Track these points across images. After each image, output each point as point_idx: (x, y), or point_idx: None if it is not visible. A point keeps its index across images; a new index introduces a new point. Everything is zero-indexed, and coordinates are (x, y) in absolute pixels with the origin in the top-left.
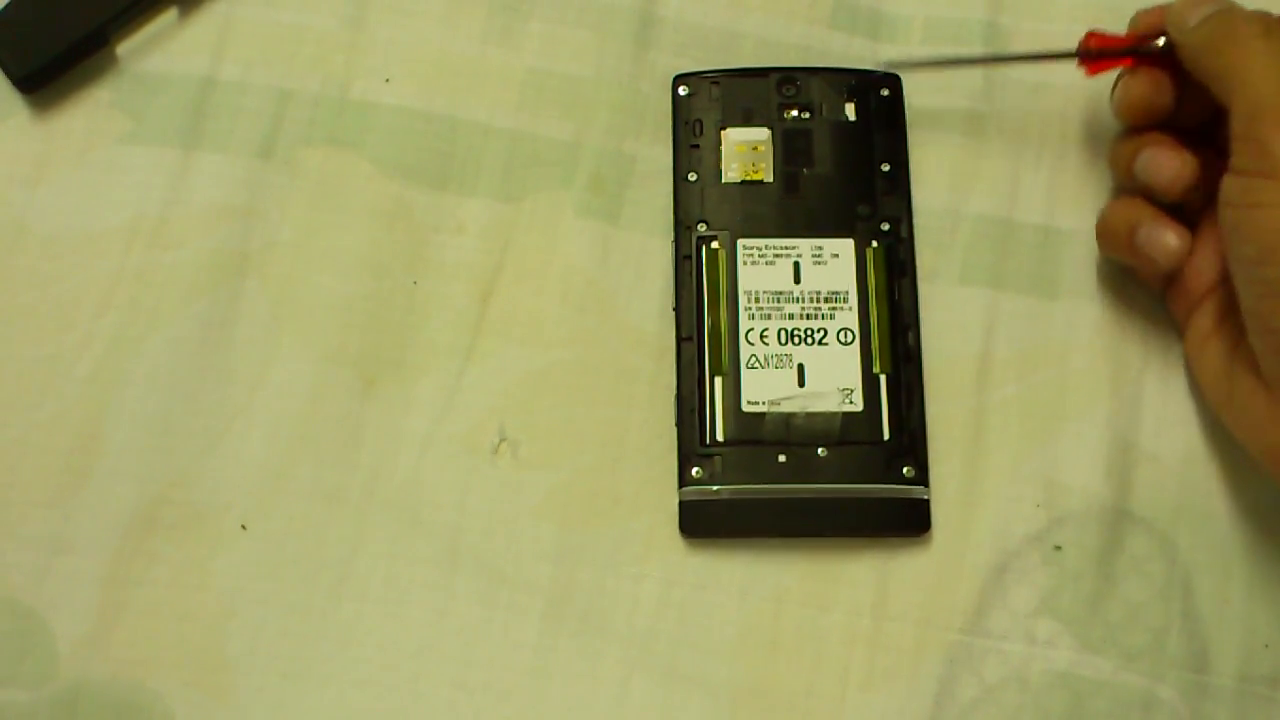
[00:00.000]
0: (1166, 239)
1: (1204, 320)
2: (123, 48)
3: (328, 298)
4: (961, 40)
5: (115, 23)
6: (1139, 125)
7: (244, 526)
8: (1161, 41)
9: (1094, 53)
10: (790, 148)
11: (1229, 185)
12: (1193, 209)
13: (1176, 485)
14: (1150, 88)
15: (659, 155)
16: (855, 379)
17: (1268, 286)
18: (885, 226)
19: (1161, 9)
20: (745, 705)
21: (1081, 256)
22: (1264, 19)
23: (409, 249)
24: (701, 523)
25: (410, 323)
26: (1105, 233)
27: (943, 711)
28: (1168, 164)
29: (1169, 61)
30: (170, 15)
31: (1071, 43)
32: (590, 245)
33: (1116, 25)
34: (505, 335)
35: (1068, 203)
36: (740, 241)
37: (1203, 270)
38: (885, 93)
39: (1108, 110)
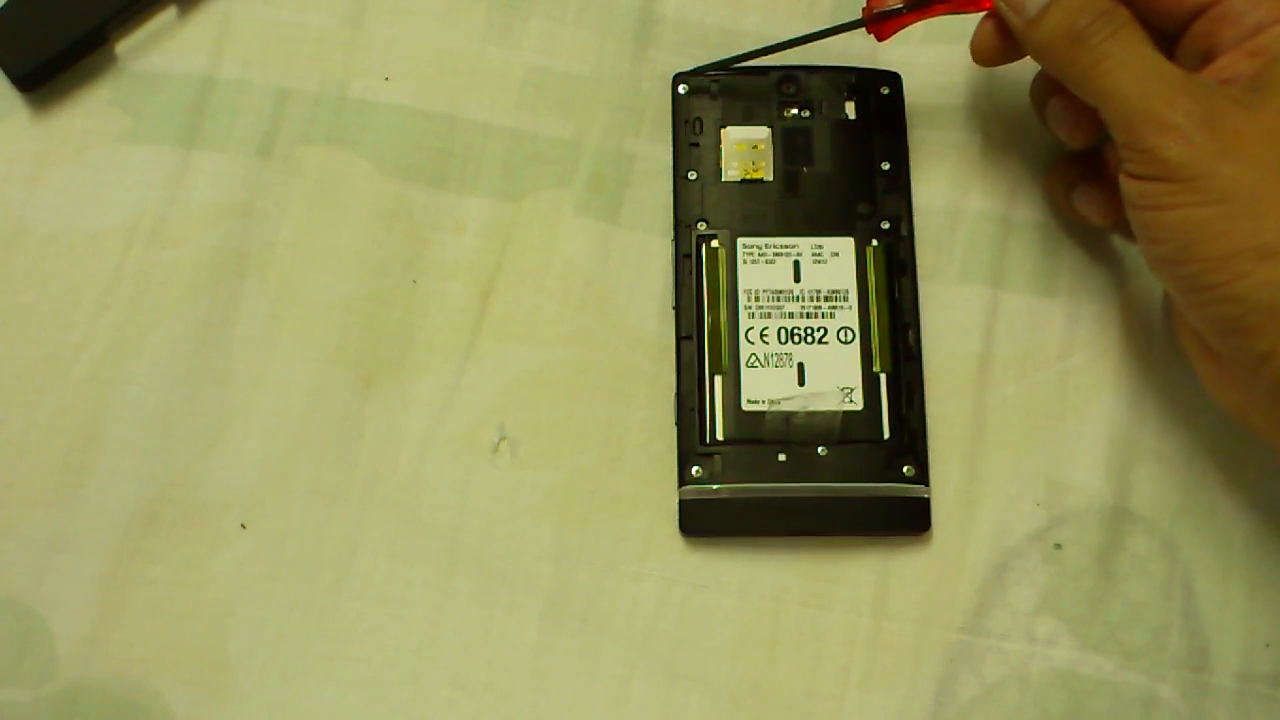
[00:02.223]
0: (1097, 196)
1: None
2: (122, 46)
3: (327, 297)
4: (961, 38)
5: (114, 21)
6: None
7: (243, 526)
8: None
9: (876, 15)
10: (790, 146)
11: (1128, 188)
12: None
13: (1177, 484)
14: (995, 34)
15: (659, 154)
16: (855, 378)
17: (1188, 282)
18: (885, 225)
19: None
20: (745, 705)
21: (1081, 255)
22: (1104, 8)
23: (408, 248)
24: (701, 522)
25: (410, 322)
26: (1048, 195)
27: (943, 711)
28: (1067, 115)
29: None
30: (169, 14)
31: None
32: (590, 244)
33: None
34: (505, 334)
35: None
36: (740, 240)
37: None
38: (885, 91)
39: None
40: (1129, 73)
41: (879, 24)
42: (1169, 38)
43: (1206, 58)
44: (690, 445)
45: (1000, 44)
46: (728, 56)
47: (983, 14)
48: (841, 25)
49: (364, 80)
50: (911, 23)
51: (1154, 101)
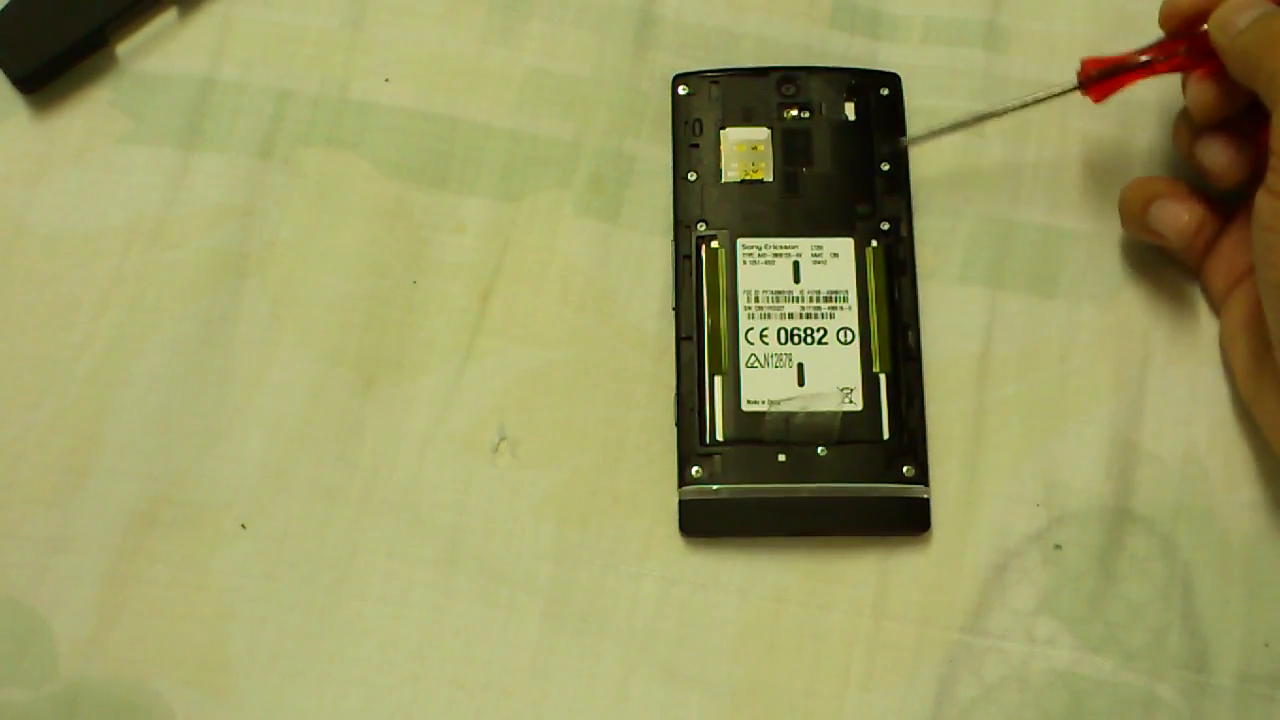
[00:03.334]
0: (1178, 214)
1: (1237, 310)
2: (122, 48)
3: (327, 297)
4: (961, 39)
5: (115, 23)
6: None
7: (243, 526)
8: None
9: (1094, 77)
10: (790, 147)
11: (1263, 206)
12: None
13: (1177, 485)
14: (1216, 89)
15: (659, 155)
16: (855, 378)
17: None
18: (885, 226)
19: (1190, 4)
20: (745, 705)
21: (1081, 256)
22: None
23: (409, 248)
24: (701, 522)
25: (410, 322)
26: (1122, 207)
27: (943, 711)
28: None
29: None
30: (170, 15)
31: (1074, 46)
32: (590, 244)
33: (1118, 23)
34: (505, 334)
35: (1068, 203)
36: (740, 241)
37: (1236, 254)
38: (885, 92)
39: (1108, 109)
40: None
41: (1096, 86)
42: None
43: None
44: (690, 445)
45: (1219, 93)
46: (957, 120)
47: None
48: (1054, 92)
49: (364, 81)
50: (1129, 84)
51: None
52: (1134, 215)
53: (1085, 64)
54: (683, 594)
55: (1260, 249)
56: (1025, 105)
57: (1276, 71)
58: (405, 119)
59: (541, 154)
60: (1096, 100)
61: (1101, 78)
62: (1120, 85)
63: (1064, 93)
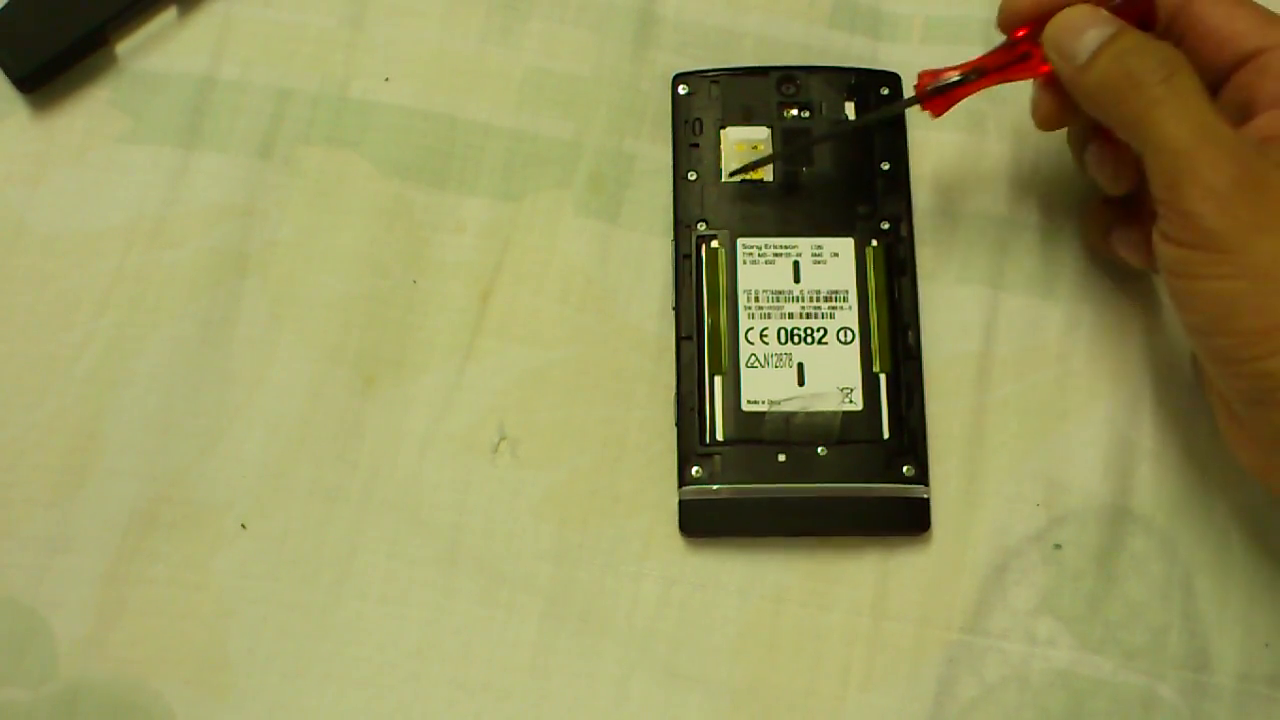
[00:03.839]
0: (1137, 241)
1: None
2: (122, 47)
3: (327, 297)
4: (961, 38)
5: (115, 22)
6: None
7: (244, 526)
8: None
9: (930, 92)
10: (790, 146)
11: (1164, 252)
12: None
13: (1176, 484)
14: (1057, 99)
15: (658, 154)
16: (855, 378)
17: (1219, 354)
18: (885, 225)
19: (1028, 6)
20: (745, 705)
21: (1081, 256)
22: (1161, 53)
23: (409, 248)
24: (701, 522)
25: (410, 322)
26: (1084, 237)
27: (943, 711)
28: (1107, 161)
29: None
30: (170, 14)
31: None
32: (590, 244)
33: None
34: (505, 334)
35: (1067, 203)
36: (740, 240)
37: None
38: (885, 92)
39: None
40: (1180, 124)
41: (933, 100)
42: (1210, 86)
43: (1245, 111)
44: (690, 445)
45: (1058, 105)
46: (770, 155)
47: (1036, 78)
48: (898, 104)
49: (364, 81)
50: (966, 96)
51: (1201, 163)
52: (1097, 243)
53: (921, 76)
54: (683, 594)
55: (1172, 293)
56: (859, 124)
57: (1142, 118)
58: (405, 118)
59: (541, 154)
60: (936, 115)
61: (936, 93)
62: (958, 98)
63: (902, 108)
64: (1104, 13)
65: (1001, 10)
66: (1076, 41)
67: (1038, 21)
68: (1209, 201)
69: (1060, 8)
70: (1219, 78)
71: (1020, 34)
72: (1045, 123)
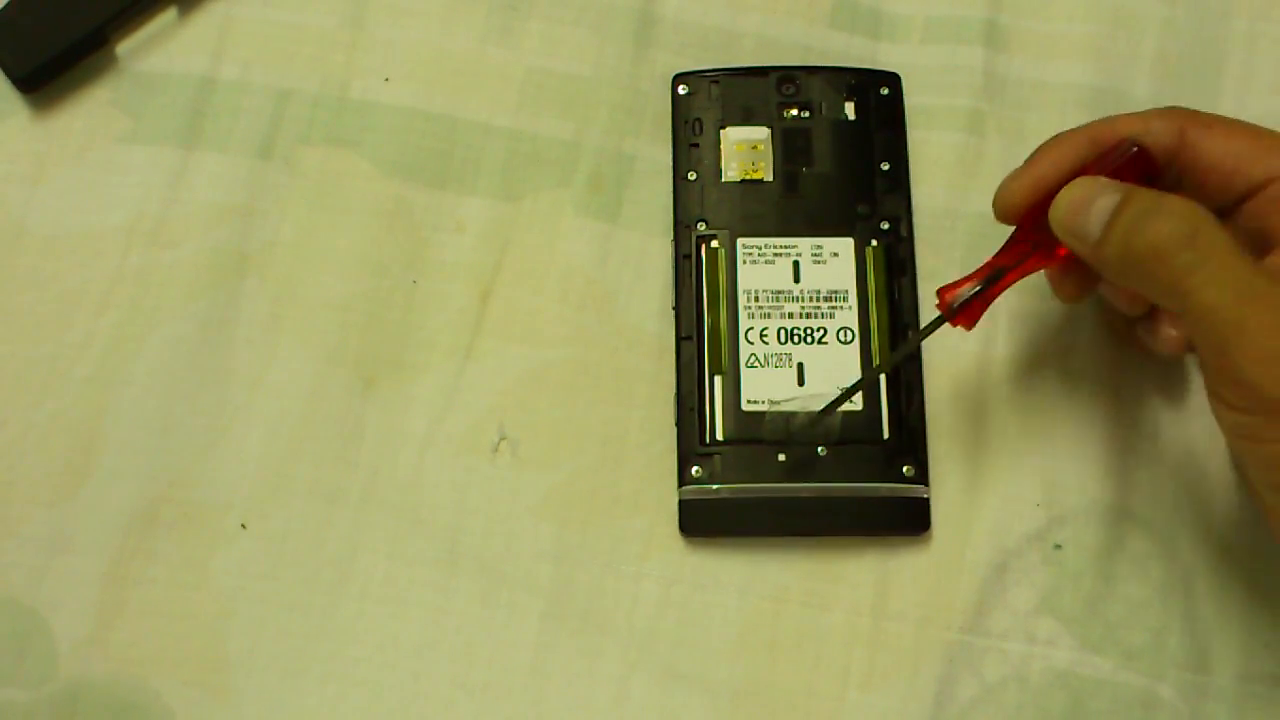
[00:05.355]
0: (1165, 332)
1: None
2: (122, 47)
3: (327, 297)
4: (961, 38)
5: (115, 22)
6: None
7: (243, 525)
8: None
9: (954, 309)
10: (790, 147)
11: (1223, 416)
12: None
13: (1176, 485)
14: (1080, 276)
15: (658, 154)
16: (855, 378)
17: None
18: (885, 225)
19: (1021, 197)
20: (745, 705)
21: None
22: (1178, 212)
23: (409, 248)
24: (701, 522)
25: (410, 322)
26: (1110, 327)
27: (943, 711)
28: (1122, 295)
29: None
30: (170, 15)
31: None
32: (589, 244)
33: (1116, 23)
34: (505, 334)
35: None
36: (740, 240)
37: None
38: (885, 91)
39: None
40: (1220, 291)
41: (959, 316)
42: (1219, 214)
43: (1262, 241)
44: (690, 445)
45: (1079, 280)
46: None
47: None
48: (925, 328)
49: (364, 81)
50: (991, 301)
51: (1250, 327)
52: (1120, 331)
53: (941, 294)
54: (683, 594)
55: (1236, 452)
56: (903, 355)
57: (1176, 287)
58: (405, 118)
59: (541, 154)
60: (969, 327)
61: (961, 308)
62: (984, 306)
63: (935, 327)
64: (1105, 180)
65: (997, 205)
66: (1085, 218)
67: (1038, 207)
68: (1263, 366)
69: (1056, 187)
70: (1228, 207)
71: (1026, 224)
72: (1072, 299)
